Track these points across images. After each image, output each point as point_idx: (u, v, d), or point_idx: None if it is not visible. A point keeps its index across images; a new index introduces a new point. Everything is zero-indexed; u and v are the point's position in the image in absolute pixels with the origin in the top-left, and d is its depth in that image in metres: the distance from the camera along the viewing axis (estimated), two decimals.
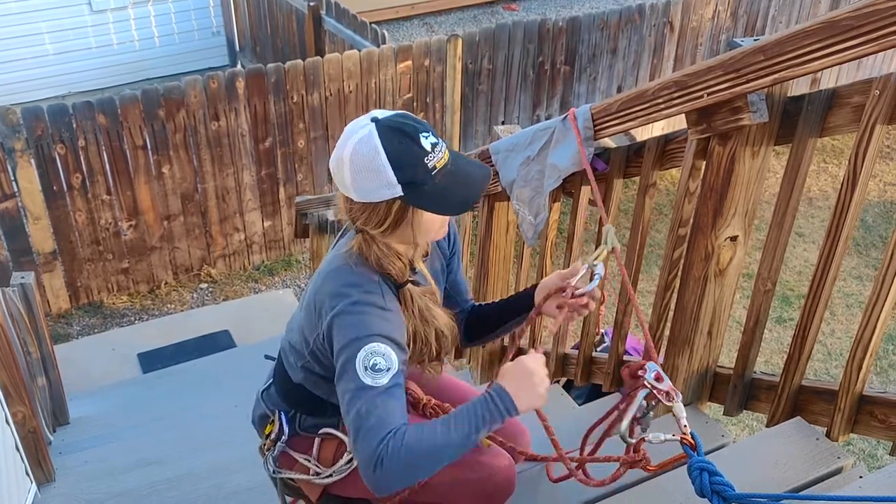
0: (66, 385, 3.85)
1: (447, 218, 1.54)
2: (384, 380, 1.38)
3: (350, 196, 1.46)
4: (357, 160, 1.41)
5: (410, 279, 1.55)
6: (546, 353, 2.84)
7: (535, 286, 1.73)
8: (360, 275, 1.48)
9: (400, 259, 1.51)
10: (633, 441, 1.47)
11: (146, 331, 5.11)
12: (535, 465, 2.02)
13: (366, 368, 1.39)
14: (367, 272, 1.49)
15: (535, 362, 1.46)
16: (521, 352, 1.63)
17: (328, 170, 5.65)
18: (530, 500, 1.94)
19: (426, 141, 1.42)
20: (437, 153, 1.43)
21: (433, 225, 1.50)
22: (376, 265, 1.49)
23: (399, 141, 1.40)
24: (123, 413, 3.90)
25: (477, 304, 1.87)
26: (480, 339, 1.86)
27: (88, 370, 4.65)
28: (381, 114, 1.44)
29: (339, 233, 1.65)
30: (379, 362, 1.39)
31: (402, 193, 1.41)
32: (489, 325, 1.82)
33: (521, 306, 1.75)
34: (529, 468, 2.03)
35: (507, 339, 2.89)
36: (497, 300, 1.85)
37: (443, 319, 1.59)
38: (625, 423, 1.46)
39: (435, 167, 1.42)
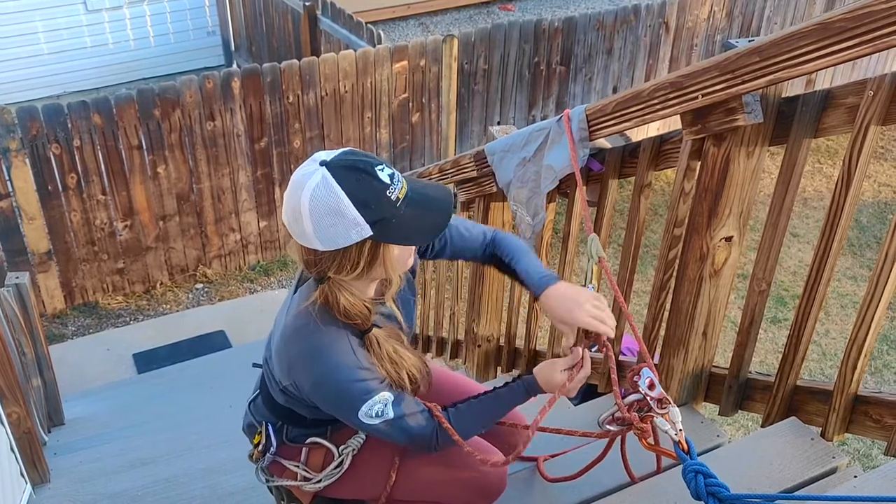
0: (61, 386, 3.84)
1: (412, 248, 1.50)
2: (391, 411, 1.49)
3: (313, 247, 1.38)
4: (317, 207, 1.33)
5: (375, 324, 1.51)
6: (541, 354, 2.84)
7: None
8: (326, 333, 1.45)
9: (365, 305, 1.47)
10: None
11: (141, 331, 5.10)
12: (531, 464, 2.03)
13: (371, 418, 1.48)
14: (333, 327, 1.45)
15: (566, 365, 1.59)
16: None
17: None
18: (526, 500, 1.94)
19: (383, 174, 1.36)
20: (395, 184, 1.36)
21: (404, 256, 1.46)
22: (343, 315, 1.45)
23: (357, 179, 1.34)
24: (119, 414, 3.90)
25: (496, 252, 1.78)
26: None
27: (84, 371, 4.64)
28: (326, 156, 1.37)
29: (298, 277, 1.59)
30: (379, 408, 1.48)
31: (371, 233, 1.35)
32: (505, 275, 1.82)
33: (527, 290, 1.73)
34: (525, 468, 2.03)
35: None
36: (508, 263, 1.74)
37: (411, 360, 1.54)
38: (605, 414, 1.60)
39: (398, 198, 1.36)
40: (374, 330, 1.50)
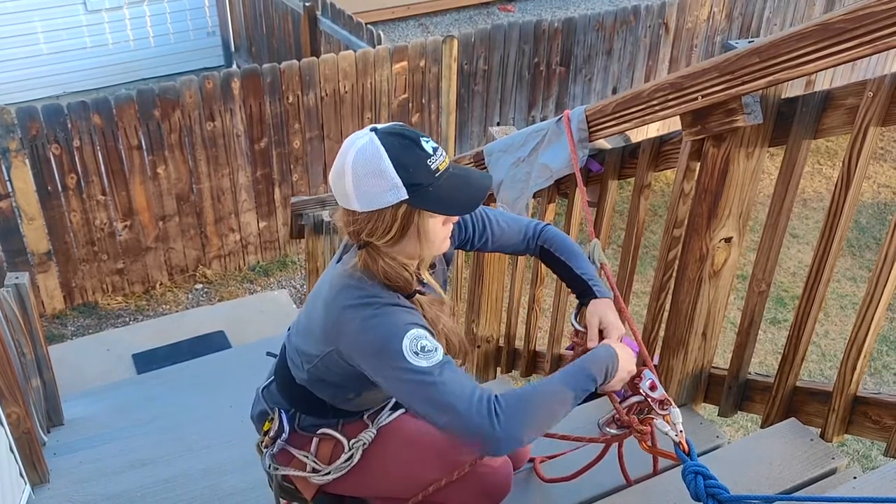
0: (61, 386, 3.84)
1: (450, 228, 1.52)
2: (439, 356, 1.38)
3: (352, 207, 1.44)
4: (359, 165, 1.40)
5: (418, 289, 1.53)
6: (540, 354, 2.85)
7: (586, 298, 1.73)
8: (371, 286, 1.47)
9: (406, 269, 1.49)
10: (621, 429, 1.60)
11: (141, 331, 5.10)
12: (528, 465, 2.03)
13: (416, 353, 1.37)
14: (377, 285, 1.48)
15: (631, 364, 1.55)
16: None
17: (324, 170, 5.66)
18: (524, 500, 1.94)
19: (427, 145, 1.43)
20: (438, 156, 1.43)
21: (437, 235, 1.49)
22: (384, 278, 1.47)
23: (401, 143, 1.41)
24: (118, 414, 3.90)
25: (544, 245, 1.80)
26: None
27: (83, 371, 4.64)
28: (378, 125, 1.45)
29: (338, 253, 1.62)
30: (426, 344, 1.39)
31: (407, 196, 1.40)
32: (555, 272, 1.82)
33: (576, 292, 1.76)
34: (522, 468, 2.03)
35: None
36: (564, 261, 1.77)
37: (450, 328, 1.58)
38: (605, 417, 1.61)
39: (438, 169, 1.42)
40: (419, 296, 1.53)
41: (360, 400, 1.68)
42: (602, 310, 1.67)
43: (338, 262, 1.59)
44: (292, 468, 1.75)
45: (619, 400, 1.60)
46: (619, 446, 1.83)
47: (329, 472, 1.72)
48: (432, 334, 1.45)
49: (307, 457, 1.72)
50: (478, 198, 1.47)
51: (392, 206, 1.41)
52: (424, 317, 1.50)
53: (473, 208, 1.49)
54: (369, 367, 1.44)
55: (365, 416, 1.77)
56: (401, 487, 1.74)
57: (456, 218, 1.54)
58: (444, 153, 1.45)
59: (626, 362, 1.53)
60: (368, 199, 1.41)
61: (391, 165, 1.39)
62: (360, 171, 1.40)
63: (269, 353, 1.85)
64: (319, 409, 1.69)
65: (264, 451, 1.77)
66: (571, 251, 1.79)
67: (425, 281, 1.59)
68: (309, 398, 1.66)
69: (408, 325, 1.41)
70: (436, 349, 1.39)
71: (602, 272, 1.87)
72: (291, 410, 1.73)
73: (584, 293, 1.73)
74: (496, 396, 1.36)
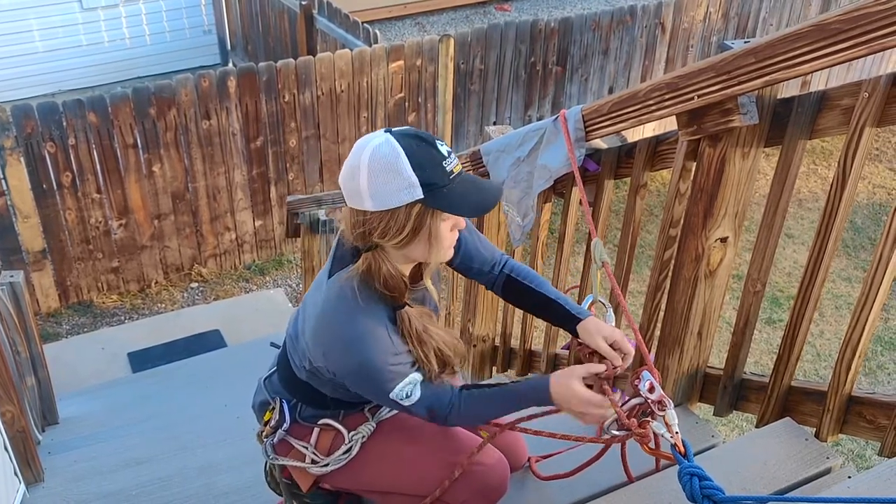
0: (56, 384, 3.83)
1: (456, 235, 1.53)
2: (418, 391, 1.54)
3: (364, 207, 1.44)
4: (376, 163, 1.40)
5: (407, 302, 1.55)
6: (536, 353, 2.85)
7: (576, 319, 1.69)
8: (363, 317, 1.48)
9: (404, 281, 1.51)
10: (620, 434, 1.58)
11: (136, 330, 5.10)
12: (526, 465, 2.03)
13: (401, 399, 1.53)
14: (370, 300, 1.49)
15: (592, 402, 1.55)
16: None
17: (319, 169, 5.66)
18: (520, 499, 1.94)
19: (442, 147, 1.45)
20: (452, 160, 1.45)
21: (446, 239, 1.50)
22: (383, 285, 1.49)
23: (417, 144, 1.42)
24: (113, 413, 3.89)
25: (511, 274, 1.80)
26: (515, 305, 1.87)
27: (78, 369, 4.63)
28: (392, 128, 1.47)
29: (327, 265, 1.60)
30: (409, 390, 1.53)
31: (422, 195, 1.41)
32: (522, 303, 1.82)
33: (556, 320, 1.74)
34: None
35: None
36: (535, 288, 1.77)
37: (441, 338, 1.57)
38: (609, 421, 1.59)
39: (452, 171, 1.44)
40: (407, 308, 1.54)
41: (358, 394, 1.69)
42: (597, 330, 1.64)
43: (329, 274, 1.56)
44: (291, 458, 1.75)
45: (620, 403, 1.60)
46: (623, 446, 1.83)
47: (328, 464, 1.73)
48: (414, 365, 1.53)
49: (307, 448, 1.73)
50: (489, 202, 1.49)
51: (406, 205, 1.42)
52: (409, 329, 1.52)
53: (485, 211, 1.51)
54: (356, 389, 1.56)
55: (366, 410, 1.78)
56: (397, 482, 1.74)
57: (463, 224, 1.54)
58: (456, 158, 1.47)
59: (570, 404, 1.55)
60: (382, 198, 1.42)
61: (408, 163, 1.39)
62: (376, 167, 1.40)
63: (272, 344, 1.86)
64: (320, 400, 1.70)
65: (264, 440, 1.78)
66: (538, 279, 1.79)
67: (421, 296, 1.61)
68: (310, 390, 1.68)
69: (395, 379, 1.51)
70: (415, 386, 1.53)
71: (604, 270, 1.87)
72: (293, 401, 1.74)
73: (566, 319, 1.71)
74: (453, 407, 1.57)
